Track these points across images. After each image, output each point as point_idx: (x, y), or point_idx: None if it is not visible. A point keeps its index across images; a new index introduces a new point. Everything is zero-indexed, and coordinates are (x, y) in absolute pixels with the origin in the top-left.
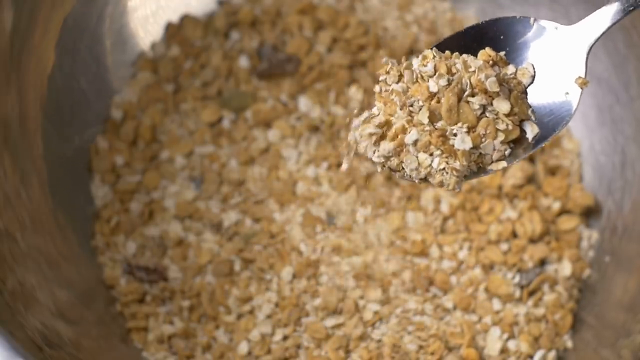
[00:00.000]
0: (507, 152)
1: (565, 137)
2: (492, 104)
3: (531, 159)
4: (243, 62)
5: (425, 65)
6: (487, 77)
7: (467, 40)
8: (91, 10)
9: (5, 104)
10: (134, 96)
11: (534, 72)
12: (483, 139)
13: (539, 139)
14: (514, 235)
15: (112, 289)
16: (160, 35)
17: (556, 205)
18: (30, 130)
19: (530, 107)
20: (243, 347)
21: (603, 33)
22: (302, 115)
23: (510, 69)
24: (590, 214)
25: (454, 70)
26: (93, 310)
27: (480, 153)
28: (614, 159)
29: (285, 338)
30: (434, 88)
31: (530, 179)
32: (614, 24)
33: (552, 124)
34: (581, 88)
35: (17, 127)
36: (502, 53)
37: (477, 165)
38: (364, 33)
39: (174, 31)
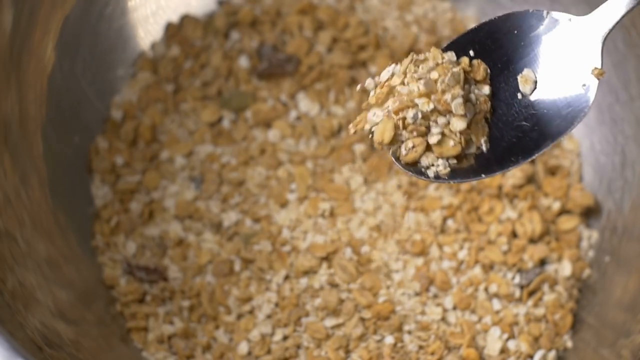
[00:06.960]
0: (445, 168)
1: (565, 137)
2: (445, 116)
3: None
4: (243, 62)
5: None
6: (453, 97)
7: (481, 37)
8: (91, 10)
9: (5, 104)
10: (134, 96)
11: (535, 78)
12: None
13: (557, 133)
14: (514, 235)
15: (112, 289)
16: (160, 35)
17: (556, 205)
18: (30, 130)
19: (487, 134)
20: (243, 347)
21: (618, 22)
22: (302, 115)
23: (486, 90)
24: (590, 214)
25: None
26: (93, 310)
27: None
28: (614, 159)
29: (285, 338)
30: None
31: (530, 179)
32: (628, 11)
33: (570, 116)
34: (598, 79)
35: (17, 127)
36: (487, 70)
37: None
38: (364, 33)
39: (174, 31)
